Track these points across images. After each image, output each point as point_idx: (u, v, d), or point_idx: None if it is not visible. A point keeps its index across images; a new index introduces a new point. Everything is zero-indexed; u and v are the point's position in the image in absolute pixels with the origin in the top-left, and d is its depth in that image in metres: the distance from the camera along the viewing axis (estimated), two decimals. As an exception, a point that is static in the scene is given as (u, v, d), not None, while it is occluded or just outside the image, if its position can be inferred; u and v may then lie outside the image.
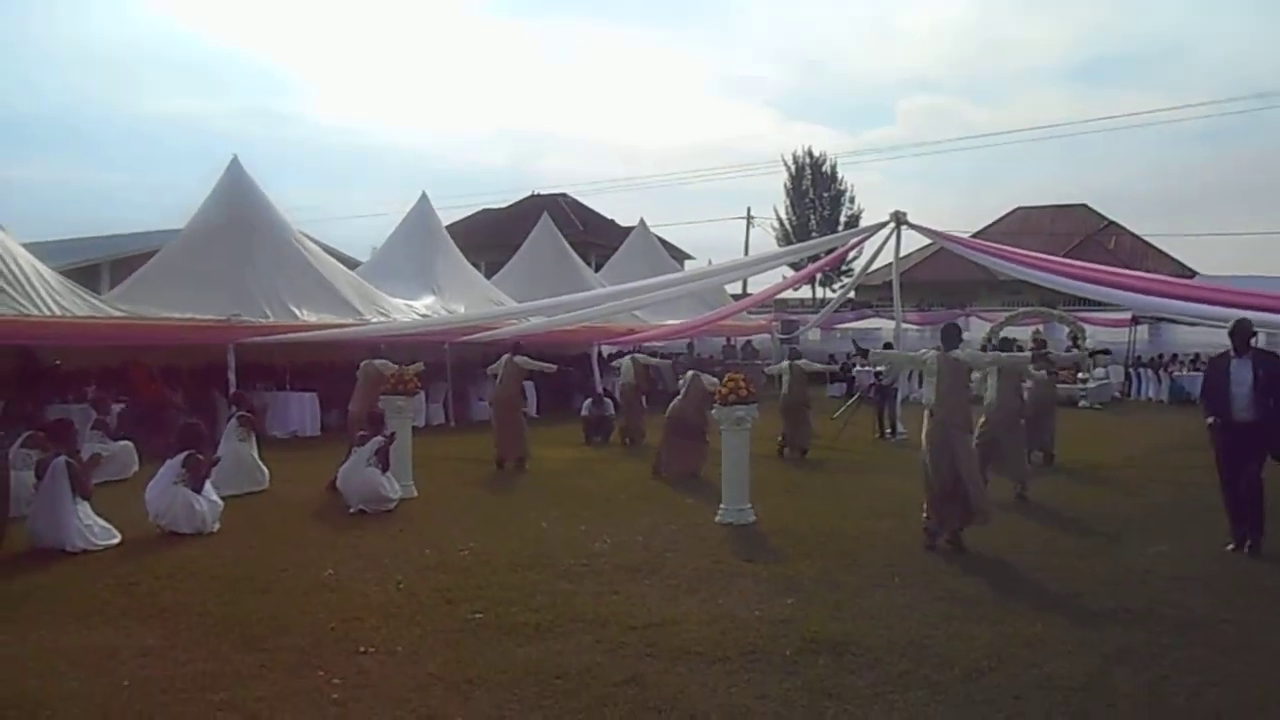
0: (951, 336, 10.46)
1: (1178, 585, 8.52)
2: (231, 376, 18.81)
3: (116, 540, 10.16)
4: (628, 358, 17.78)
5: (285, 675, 6.31)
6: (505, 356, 16.77)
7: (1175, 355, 32.94)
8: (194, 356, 20.39)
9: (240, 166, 21.92)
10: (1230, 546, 9.78)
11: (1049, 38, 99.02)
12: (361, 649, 6.81)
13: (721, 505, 11.46)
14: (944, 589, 8.44)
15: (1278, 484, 10.21)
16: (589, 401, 20.83)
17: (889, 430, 20.40)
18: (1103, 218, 51.54)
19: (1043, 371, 16.35)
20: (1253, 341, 10.31)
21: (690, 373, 15.69)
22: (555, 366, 18.10)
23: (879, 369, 21.36)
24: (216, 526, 10.87)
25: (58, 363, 19.44)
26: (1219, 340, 31.29)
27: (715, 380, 13.74)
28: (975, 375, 11.51)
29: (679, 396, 15.39)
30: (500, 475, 15.27)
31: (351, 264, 27.86)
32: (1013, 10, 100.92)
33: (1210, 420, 10.23)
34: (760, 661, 6.54)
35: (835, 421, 20.55)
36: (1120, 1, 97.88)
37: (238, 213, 21.30)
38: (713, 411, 11.93)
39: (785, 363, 18.74)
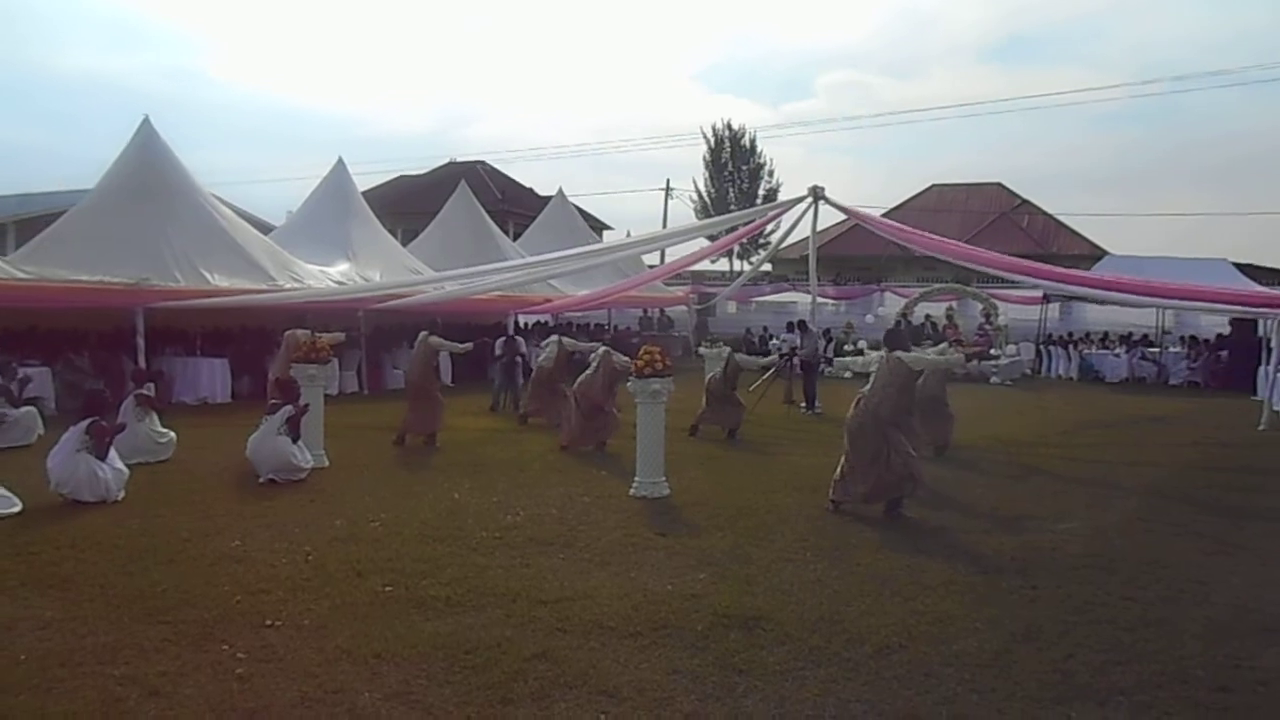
0: (895, 339, 11.11)
1: (1084, 563, 8.66)
2: (140, 341, 18.46)
3: (17, 509, 9.89)
4: (554, 338, 17.10)
5: (188, 648, 6.19)
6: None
7: (1088, 334, 33.60)
8: (102, 321, 19.90)
9: (151, 127, 21.31)
10: None
11: (970, 16, 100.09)
12: (268, 622, 6.71)
13: (636, 478, 11.45)
14: (855, 565, 8.50)
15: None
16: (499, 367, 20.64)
17: (805, 405, 20.47)
18: (1016, 196, 52.32)
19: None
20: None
21: (602, 349, 15.27)
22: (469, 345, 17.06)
23: (795, 345, 21.64)
24: (121, 495, 10.62)
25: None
26: (1126, 319, 32.23)
27: (626, 360, 13.65)
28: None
29: (588, 370, 15.06)
30: (413, 445, 15.03)
31: (266, 228, 27.42)
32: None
33: None
34: (672, 636, 6.55)
35: (751, 395, 20.68)
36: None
37: (149, 174, 20.75)
38: (628, 384, 11.84)
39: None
